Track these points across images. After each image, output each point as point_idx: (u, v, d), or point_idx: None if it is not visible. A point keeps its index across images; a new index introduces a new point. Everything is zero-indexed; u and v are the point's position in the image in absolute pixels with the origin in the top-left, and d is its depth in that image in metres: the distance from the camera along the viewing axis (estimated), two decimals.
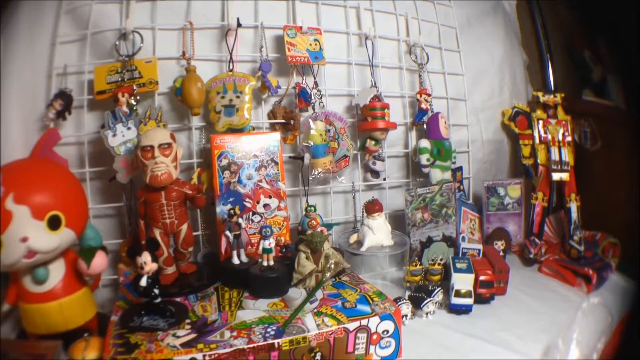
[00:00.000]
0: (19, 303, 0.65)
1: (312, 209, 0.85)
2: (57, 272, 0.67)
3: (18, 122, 0.82)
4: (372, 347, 0.68)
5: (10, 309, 0.67)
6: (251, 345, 0.59)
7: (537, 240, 1.14)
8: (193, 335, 0.62)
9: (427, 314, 0.84)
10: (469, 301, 0.85)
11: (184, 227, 0.79)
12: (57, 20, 0.87)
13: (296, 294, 0.76)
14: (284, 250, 0.85)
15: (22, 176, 0.63)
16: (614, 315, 0.77)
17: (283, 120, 0.95)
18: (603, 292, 0.96)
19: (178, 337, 0.61)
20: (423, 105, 1.09)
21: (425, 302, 0.83)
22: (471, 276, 0.87)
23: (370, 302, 0.72)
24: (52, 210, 0.63)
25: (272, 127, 0.96)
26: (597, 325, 0.72)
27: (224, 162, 0.87)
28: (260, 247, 0.77)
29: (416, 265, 0.92)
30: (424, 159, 1.05)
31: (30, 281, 0.65)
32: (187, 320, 0.66)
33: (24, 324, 0.66)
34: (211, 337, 0.61)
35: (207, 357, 0.57)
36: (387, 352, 0.69)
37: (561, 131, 1.20)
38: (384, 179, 1.07)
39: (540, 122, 1.21)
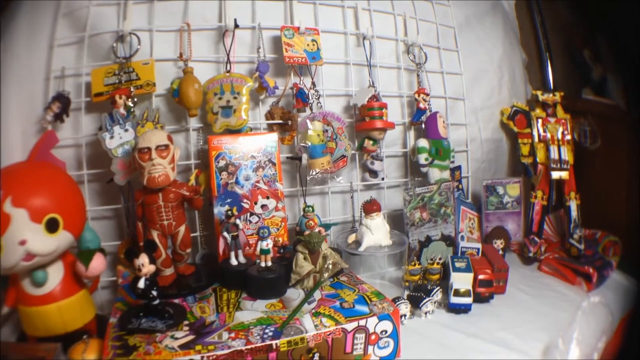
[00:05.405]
0: (18, 306, 0.66)
1: (310, 209, 0.85)
2: (55, 275, 0.67)
3: (16, 125, 0.82)
4: (370, 348, 0.68)
5: (10, 312, 0.67)
6: (249, 347, 0.59)
7: (536, 238, 1.14)
8: (191, 337, 0.62)
9: (426, 313, 0.84)
10: (468, 300, 0.84)
11: (182, 228, 0.79)
12: (55, 23, 0.87)
13: (294, 294, 0.76)
14: (281, 251, 0.85)
15: (20, 179, 0.64)
16: (615, 314, 0.77)
17: (280, 121, 0.95)
18: (604, 290, 0.96)
19: (176, 338, 0.61)
20: (421, 105, 1.09)
21: (424, 301, 0.83)
22: (470, 275, 0.87)
23: (369, 302, 0.72)
24: (50, 213, 0.63)
25: (270, 128, 0.96)
26: (597, 325, 0.72)
27: (222, 163, 0.87)
28: (258, 248, 0.77)
29: (415, 264, 0.92)
30: (423, 158, 1.05)
31: (29, 284, 0.65)
32: (186, 322, 0.66)
33: (23, 326, 0.67)
34: (209, 339, 0.61)
35: (205, 359, 0.57)
36: (385, 352, 0.69)
37: (560, 130, 1.19)
38: (382, 179, 1.07)
39: (540, 120, 1.21)
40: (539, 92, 1.23)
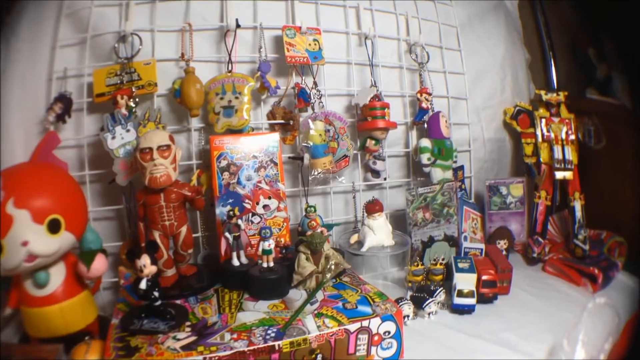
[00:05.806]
0: (20, 307, 0.66)
1: (312, 209, 0.85)
2: (57, 276, 0.67)
3: (18, 125, 0.83)
4: (373, 349, 0.67)
5: (12, 313, 0.67)
6: (252, 348, 0.59)
7: (540, 239, 1.13)
8: (193, 338, 0.61)
9: (429, 314, 0.83)
10: (471, 301, 0.84)
11: (184, 229, 0.78)
12: (58, 23, 0.88)
13: (296, 295, 0.76)
14: (283, 251, 0.85)
15: (22, 180, 0.64)
16: (621, 316, 0.76)
17: (282, 121, 0.95)
18: (609, 291, 0.95)
19: (178, 339, 0.61)
20: (424, 105, 1.09)
21: (427, 302, 0.82)
22: (474, 276, 0.86)
23: (372, 303, 0.71)
24: (52, 214, 0.63)
25: (272, 128, 0.96)
26: (603, 326, 0.71)
27: (223, 163, 0.87)
28: (260, 249, 0.76)
29: (418, 265, 0.92)
30: (425, 158, 1.04)
31: (31, 285, 0.65)
32: (187, 323, 0.66)
33: (26, 327, 0.67)
34: (211, 340, 0.61)
35: None
36: (388, 353, 0.69)
37: (564, 129, 1.18)
38: (385, 179, 1.07)
39: (543, 120, 1.20)
40: (542, 92, 1.22)
